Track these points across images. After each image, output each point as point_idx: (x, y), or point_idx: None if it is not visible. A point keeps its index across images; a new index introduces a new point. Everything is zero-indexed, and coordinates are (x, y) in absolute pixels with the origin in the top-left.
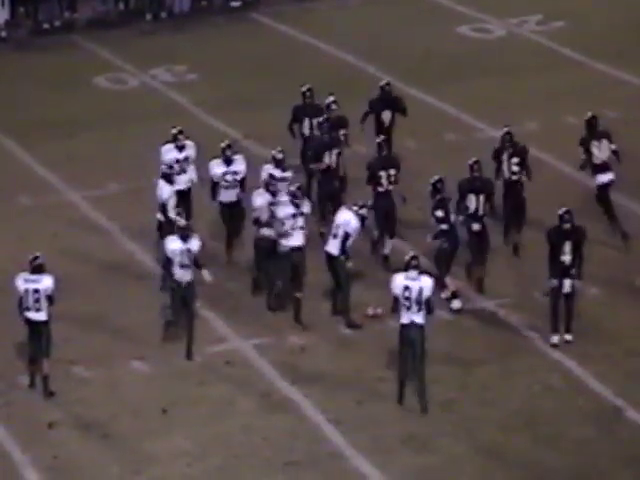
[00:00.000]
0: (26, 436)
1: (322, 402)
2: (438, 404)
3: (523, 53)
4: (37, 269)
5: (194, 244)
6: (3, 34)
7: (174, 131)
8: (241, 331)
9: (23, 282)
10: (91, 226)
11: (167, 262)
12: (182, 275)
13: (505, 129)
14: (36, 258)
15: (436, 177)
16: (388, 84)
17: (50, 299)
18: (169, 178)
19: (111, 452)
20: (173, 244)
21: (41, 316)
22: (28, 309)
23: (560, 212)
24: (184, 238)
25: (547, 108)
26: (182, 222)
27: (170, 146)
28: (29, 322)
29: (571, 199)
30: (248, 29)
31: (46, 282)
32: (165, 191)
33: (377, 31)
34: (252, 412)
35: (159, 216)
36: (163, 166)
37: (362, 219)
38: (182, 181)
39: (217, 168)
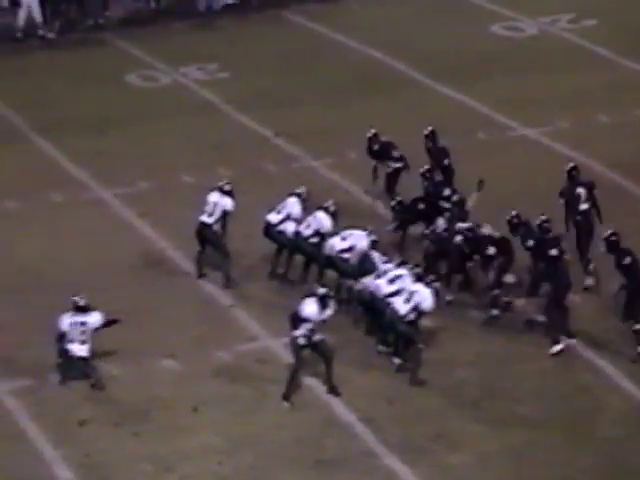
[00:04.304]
0: (58, 434)
1: (353, 401)
2: (469, 402)
3: (555, 52)
4: (82, 309)
5: (328, 313)
6: (40, 32)
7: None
8: (272, 329)
9: (68, 317)
10: (122, 223)
11: (298, 320)
12: (311, 334)
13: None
14: (78, 301)
15: (514, 212)
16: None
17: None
18: (231, 194)
19: (142, 450)
20: (310, 308)
21: (83, 351)
22: (72, 341)
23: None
24: (323, 306)
25: (579, 107)
26: (322, 290)
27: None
28: (69, 356)
29: (602, 197)
30: (279, 27)
31: (95, 317)
32: (228, 203)
33: (408, 29)
34: (283, 410)
35: (207, 219)
36: (294, 219)
37: (436, 292)
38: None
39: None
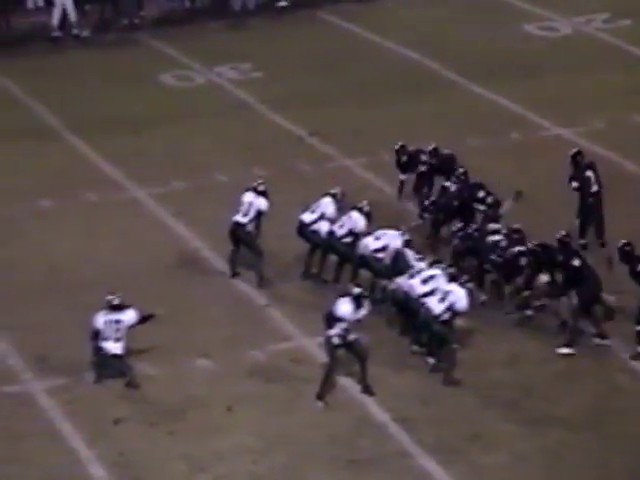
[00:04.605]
0: (92, 432)
1: (387, 400)
2: (504, 403)
3: (589, 51)
4: (117, 307)
5: (363, 313)
6: (75, 31)
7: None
8: (306, 329)
9: (103, 315)
10: (156, 223)
11: (332, 319)
12: (346, 334)
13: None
14: (112, 300)
15: (534, 242)
16: None
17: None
18: (266, 194)
19: (177, 449)
20: (345, 307)
21: (118, 349)
22: (106, 339)
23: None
24: (357, 305)
25: (614, 107)
26: (356, 290)
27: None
28: (104, 355)
29: (638, 198)
30: (313, 27)
31: (129, 314)
32: (263, 204)
33: (443, 29)
34: (317, 410)
35: (241, 218)
36: (328, 219)
37: (470, 293)
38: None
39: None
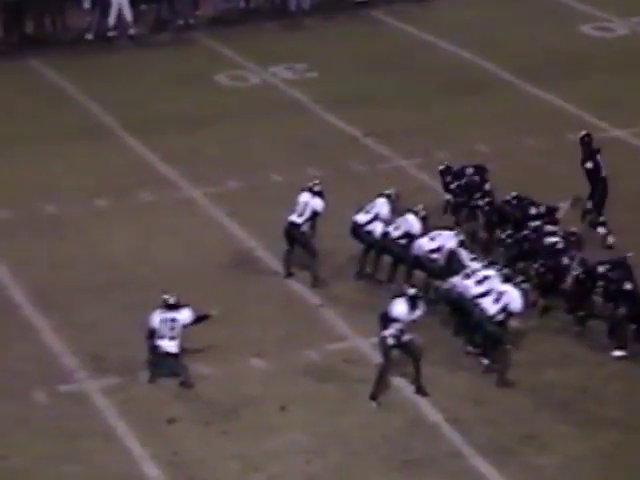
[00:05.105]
0: (146, 431)
1: (440, 401)
2: (557, 404)
3: None
4: (172, 306)
5: (418, 314)
6: (131, 32)
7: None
8: (360, 329)
9: (158, 314)
10: (211, 222)
11: (387, 320)
12: (400, 334)
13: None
14: (168, 299)
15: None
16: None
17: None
18: (322, 194)
19: (231, 448)
20: (400, 307)
21: (172, 347)
22: (161, 337)
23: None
24: (412, 306)
25: None
26: (412, 290)
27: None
28: (159, 353)
29: None
30: (368, 27)
31: (185, 313)
32: (318, 204)
33: (498, 29)
34: (371, 410)
35: (296, 218)
36: (382, 219)
37: (525, 294)
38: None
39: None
